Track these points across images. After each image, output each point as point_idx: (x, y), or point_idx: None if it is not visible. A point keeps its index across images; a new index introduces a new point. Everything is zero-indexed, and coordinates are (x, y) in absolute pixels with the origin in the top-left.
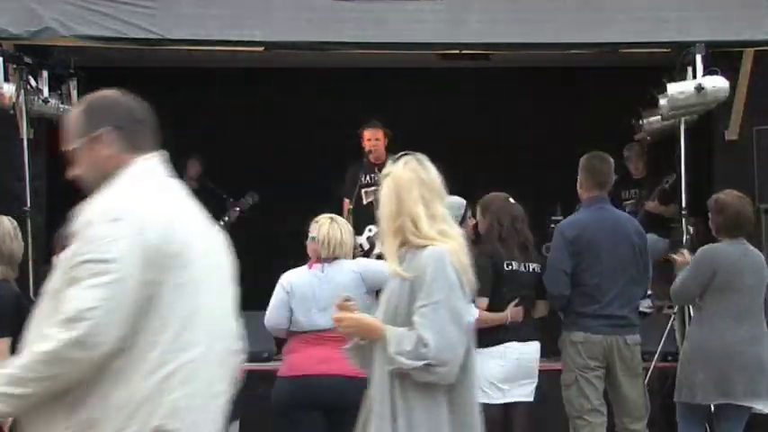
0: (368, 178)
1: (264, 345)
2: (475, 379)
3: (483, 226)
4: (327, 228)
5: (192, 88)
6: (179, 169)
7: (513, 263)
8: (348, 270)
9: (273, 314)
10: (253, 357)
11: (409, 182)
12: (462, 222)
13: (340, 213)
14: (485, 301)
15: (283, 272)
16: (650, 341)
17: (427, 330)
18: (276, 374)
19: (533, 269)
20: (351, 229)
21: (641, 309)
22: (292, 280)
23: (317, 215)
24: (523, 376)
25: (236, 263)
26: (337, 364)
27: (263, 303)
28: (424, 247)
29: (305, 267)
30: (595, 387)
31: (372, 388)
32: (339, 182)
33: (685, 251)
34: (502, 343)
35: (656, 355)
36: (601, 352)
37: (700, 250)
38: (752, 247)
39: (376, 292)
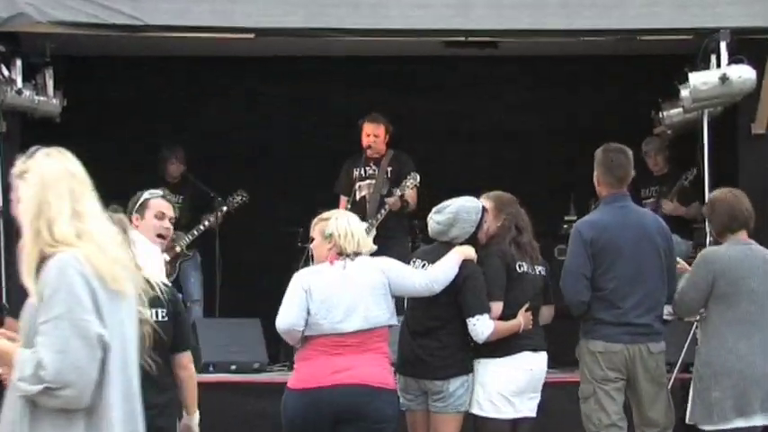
0: (362, 171)
1: (254, 354)
2: (116, 396)
3: (494, 225)
4: (346, 221)
5: (177, 78)
6: (160, 164)
7: (524, 264)
8: (373, 268)
9: (290, 315)
10: (241, 368)
11: (57, 175)
12: (479, 227)
13: None
14: (498, 306)
15: (273, 278)
16: (671, 350)
17: (47, 350)
18: (286, 386)
19: (540, 272)
20: (361, 226)
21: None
22: (312, 277)
23: (310, 217)
24: (532, 389)
25: (220, 267)
26: (354, 373)
27: (250, 312)
28: (54, 255)
29: (324, 264)
30: (615, 400)
31: (6, 413)
32: (335, 180)
33: (679, 258)
34: (515, 353)
35: (677, 366)
36: (622, 362)
37: (698, 255)
38: (758, 247)
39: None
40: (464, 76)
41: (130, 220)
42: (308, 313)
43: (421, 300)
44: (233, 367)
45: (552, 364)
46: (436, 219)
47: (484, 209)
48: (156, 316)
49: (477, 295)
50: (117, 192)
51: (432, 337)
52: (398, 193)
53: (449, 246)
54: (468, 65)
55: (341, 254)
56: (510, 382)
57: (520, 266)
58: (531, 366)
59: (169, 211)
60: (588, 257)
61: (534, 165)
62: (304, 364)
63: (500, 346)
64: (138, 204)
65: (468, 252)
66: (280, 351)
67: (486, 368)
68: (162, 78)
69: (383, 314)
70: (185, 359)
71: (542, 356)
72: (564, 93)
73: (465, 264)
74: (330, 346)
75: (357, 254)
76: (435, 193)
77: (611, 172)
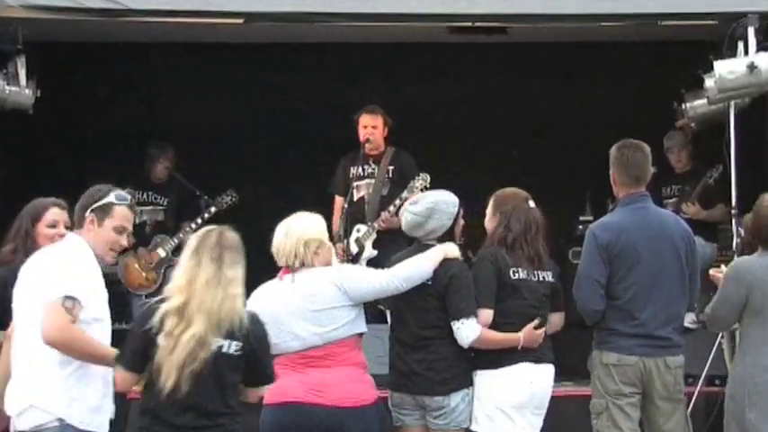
0: (360, 170)
1: None
2: None
3: (490, 225)
4: (283, 232)
5: (160, 67)
6: (147, 163)
7: (521, 270)
8: (323, 280)
9: None
10: None
11: None
12: (454, 223)
13: (331, 213)
14: (488, 314)
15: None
16: (695, 362)
17: None
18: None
19: (544, 278)
20: (321, 224)
21: (685, 324)
22: (261, 297)
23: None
24: (536, 404)
25: None
26: (330, 392)
27: None
28: None
29: (275, 280)
30: (629, 416)
31: None
32: (330, 177)
33: (723, 266)
34: (513, 363)
35: (702, 379)
36: (637, 376)
37: (729, 266)
38: None
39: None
40: (470, 66)
41: (82, 217)
42: None
43: (410, 308)
44: None
45: (564, 376)
46: (413, 209)
47: (460, 204)
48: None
49: (462, 296)
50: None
51: (428, 349)
52: (405, 196)
53: (424, 247)
54: (475, 53)
55: (289, 267)
56: (508, 396)
57: (515, 273)
58: (532, 379)
59: (130, 225)
60: (603, 263)
61: (546, 160)
62: (276, 381)
63: (498, 357)
64: (98, 204)
65: (451, 250)
66: None
67: (483, 380)
68: (143, 67)
69: (340, 327)
70: (252, 395)
71: (546, 369)
72: (579, 83)
73: (450, 263)
74: (291, 365)
75: (305, 264)
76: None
77: (628, 171)
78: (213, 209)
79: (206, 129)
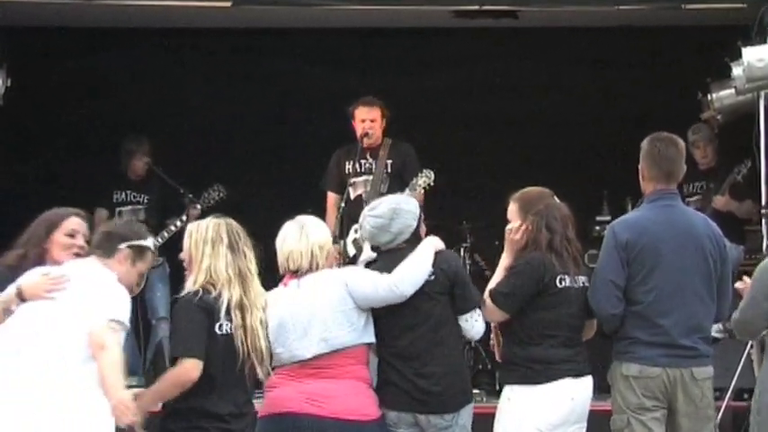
0: (356, 166)
1: None
2: None
3: (518, 230)
4: (282, 237)
5: (140, 54)
6: (124, 159)
7: (567, 278)
8: (332, 282)
9: None
10: None
11: None
12: (418, 225)
13: (324, 210)
14: (501, 317)
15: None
16: (723, 374)
17: None
18: (258, 415)
19: (583, 282)
20: (324, 229)
21: (711, 333)
22: (269, 305)
23: (296, 215)
24: (575, 419)
25: None
26: (331, 404)
27: None
28: None
29: (279, 287)
30: None
31: None
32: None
33: (747, 278)
34: (555, 379)
35: (730, 392)
36: (660, 389)
37: (758, 266)
38: None
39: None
40: (477, 52)
41: (114, 247)
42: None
43: (409, 314)
44: None
45: (596, 389)
46: (375, 213)
47: (420, 206)
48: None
49: (471, 287)
50: (71, 184)
51: (435, 362)
52: (406, 194)
53: (398, 253)
54: (482, 38)
55: (295, 272)
56: (549, 416)
57: (561, 281)
58: (573, 395)
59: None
60: (622, 263)
61: (560, 156)
62: (272, 390)
63: (535, 371)
64: (137, 244)
65: (438, 243)
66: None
67: (519, 397)
68: (122, 54)
69: (347, 334)
70: None
71: (586, 382)
72: (595, 72)
73: (445, 255)
74: (295, 376)
75: (314, 269)
76: (440, 192)
77: (659, 165)
78: (198, 206)
79: (189, 120)
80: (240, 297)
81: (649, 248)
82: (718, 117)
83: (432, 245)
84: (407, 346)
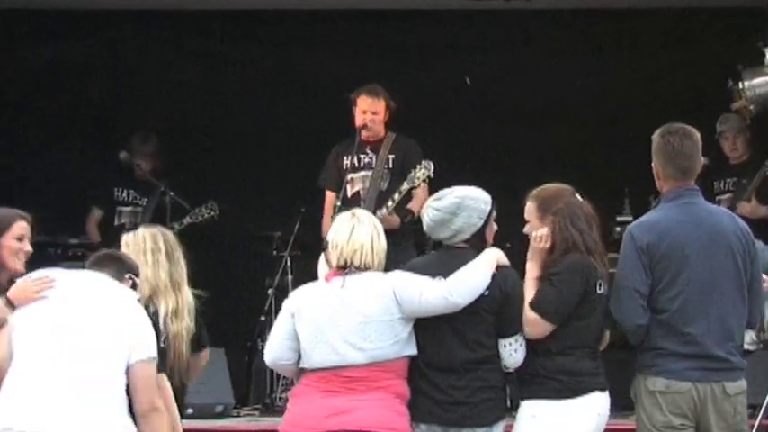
0: (354, 160)
1: (218, 394)
2: None
3: (542, 232)
4: (351, 226)
5: (122, 39)
6: (127, 154)
7: (603, 284)
8: (379, 287)
9: (273, 345)
10: (200, 412)
11: None
12: (486, 225)
13: (321, 210)
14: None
15: (242, 295)
16: (755, 390)
17: None
18: None
19: (605, 288)
20: (381, 230)
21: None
22: (301, 298)
23: (288, 217)
24: None
25: None
26: (354, 417)
27: (214, 339)
28: None
29: (320, 282)
30: None
31: None
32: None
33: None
34: (582, 394)
35: (763, 410)
36: (689, 405)
37: None
38: None
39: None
40: (484, 37)
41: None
42: (299, 342)
43: (454, 325)
44: (189, 411)
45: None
46: (436, 205)
47: (494, 202)
48: None
49: (519, 311)
50: (47, 183)
51: (471, 375)
52: (404, 188)
53: (456, 251)
54: (489, 22)
55: (342, 268)
56: (580, 430)
57: (600, 285)
58: (600, 411)
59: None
60: (644, 268)
61: (575, 150)
62: (295, 403)
63: (562, 384)
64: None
65: (501, 257)
66: (250, 390)
67: (548, 413)
68: (104, 39)
69: (389, 346)
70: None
71: (607, 397)
72: (614, 57)
73: (506, 274)
74: (325, 383)
75: (363, 268)
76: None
77: (673, 162)
78: (187, 220)
79: (177, 111)
80: (175, 305)
81: (673, 251)
82: (750, 107)
83: (495, 258)
84: (441, 358)
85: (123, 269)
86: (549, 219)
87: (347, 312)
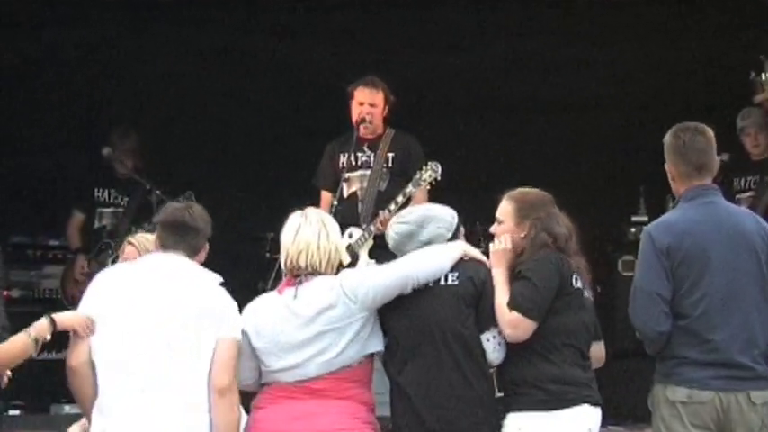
0: (352, 158)
1: None
2: None
3: (518, 238)
4: (294, 225)
5: (111, 29)
6: (107, 151)
7: (579, 279)
8: (331, 290)
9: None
10: None
11: None
12: (453, 239)
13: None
14: (532, 329)
15: (238, 304)
16: None
17: None
18: None
19: (590, 296)
20: (336, 227)
21: None
22: (254, 314)
23: (282, 217)
24: None
25: None
26: (322, 421)
27: None
28: None
29: (272, 294)
30: None
31: None
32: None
33: None
34: (571, 405)
35: None
36: (712, 416)
37: None
38: None
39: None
40: (490, 26)
41: (202, 245)
42: (258, 359)
43: (426, 327)
44: None
45: (612, 417)
46: (403, 219)
47: (459, 220)
48: None
49: (493, 303)
50: (27, 182)
51: (458, 384)
52: (409, 191)
53: None
54: (495, 10)
55: (294, 276)
56: None
57: (576, 279)
58: (591, 426)
59: None
60: (665, 271)
61: (588, 146)
62: (257, 412)
63: (550, 395)
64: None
65: (472, 250)
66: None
67: (534, 427)
68: (84, 31)
69: (345, 348)
70: None
71: (599, 412)
72: (628, 47)
73: (475, 266)
74: (287, 394)
75: (310, 271)
76: (450, 189)
77: (687, 159)
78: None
79: (158, 107)
80: None
81: (695, 253)
82: None
83: (463, 247)
84: (415, 373)
85: (204, 239)
86: (527, 225)
87: (301, 325)
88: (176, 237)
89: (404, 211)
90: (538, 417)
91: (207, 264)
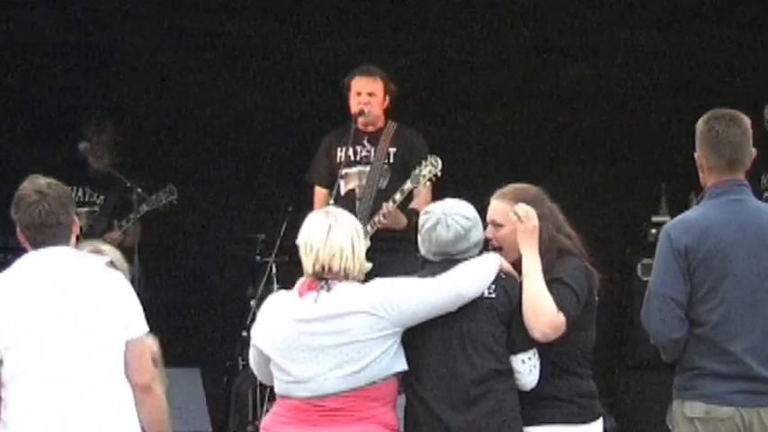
0: (350, 153)
1: (192, 420)
2: None
3: (510, 231)
4: (323, 225)
5: (78, 17)
6: (81, 146)
7: (595, 290)
8: (358, 301)
9: (256, 372)
10: None
11: None
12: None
13: (309, 208)
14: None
15: (219, 308)
16: None
17: None
18: None
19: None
20: (360, 228)
21: None
22: (270, 315)
23: (273, 218)
24: None
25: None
26: None
27: (187, 357)
28: None
29: (291, 295)
30: None
31: None
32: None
33: None
34: (597, 418)
35: None
36: None
37: None
38: None
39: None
40: (496, 10)
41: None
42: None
43: (454, 342)
44: None
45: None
46: (465, 214)
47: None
48: None
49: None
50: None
51: (485, 404)
52: (407, 188)
53: (450, 264)
54: None
55: (319, 278)
56: None
57: (597, 294)
58: None
59: None
60: (682, 274)
61: (605, 140)
62: None
63: (583, 407)
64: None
65: (505, 263)
66: (229, 416)
67: None
68: (52, 17)
69: (369, 364)
70: None
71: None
72: (649, 33)
73: (512, 281)
74: (300, 413)
75: (342, 276)
76: (455, 185)
77: (718, 151)
78: (144, 208)
79: (143, 99)
80: None
81: (715, 255)
82: None
83: (498, 257)
84: (441, 388)
85: (63, 226)
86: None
87: (322, 334)
88: (44, 236)
89: (446, 204)
90: (566, 430)
91: (191, 266)
